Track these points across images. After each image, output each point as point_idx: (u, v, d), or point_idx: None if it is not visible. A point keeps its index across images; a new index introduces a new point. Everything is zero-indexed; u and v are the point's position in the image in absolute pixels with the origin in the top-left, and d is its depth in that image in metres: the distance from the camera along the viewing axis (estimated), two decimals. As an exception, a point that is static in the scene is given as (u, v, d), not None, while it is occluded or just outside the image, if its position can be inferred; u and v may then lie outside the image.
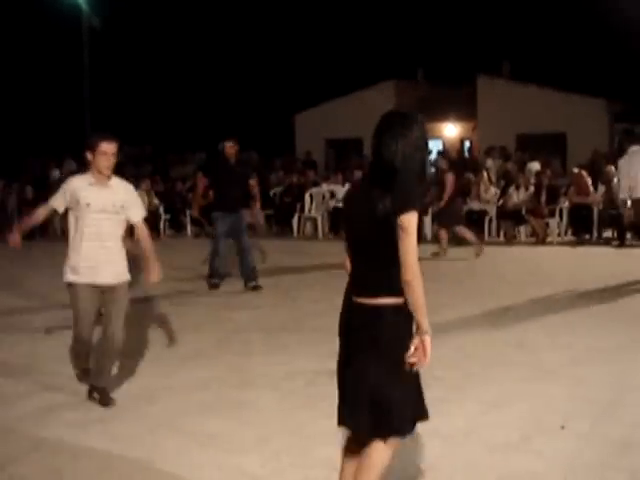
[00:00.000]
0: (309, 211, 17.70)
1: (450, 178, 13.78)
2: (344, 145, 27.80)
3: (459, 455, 4.76)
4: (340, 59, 36.30)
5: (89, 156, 5.57)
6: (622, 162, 11.68)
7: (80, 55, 29.44)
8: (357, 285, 3.59)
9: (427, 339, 3.42)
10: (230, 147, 10.58)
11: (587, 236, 15.23)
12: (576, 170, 15.96)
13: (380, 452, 3.55)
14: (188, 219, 17.97)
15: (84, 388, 6.07)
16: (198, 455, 4.83)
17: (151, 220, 17.68)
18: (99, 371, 5.86)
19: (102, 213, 5.56)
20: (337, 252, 14.23)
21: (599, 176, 16.15)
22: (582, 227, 15.35)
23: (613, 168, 15.71)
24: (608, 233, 15.46)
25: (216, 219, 10.64)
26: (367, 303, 3.52)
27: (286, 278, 11.64)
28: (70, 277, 5.61)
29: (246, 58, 37.06)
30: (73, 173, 20.45)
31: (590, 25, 29.66)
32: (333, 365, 6.71)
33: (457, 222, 13.88)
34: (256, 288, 10.52)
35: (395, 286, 3.43)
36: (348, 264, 3.72)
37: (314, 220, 17.64)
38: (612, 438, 4.96)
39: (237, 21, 37.12)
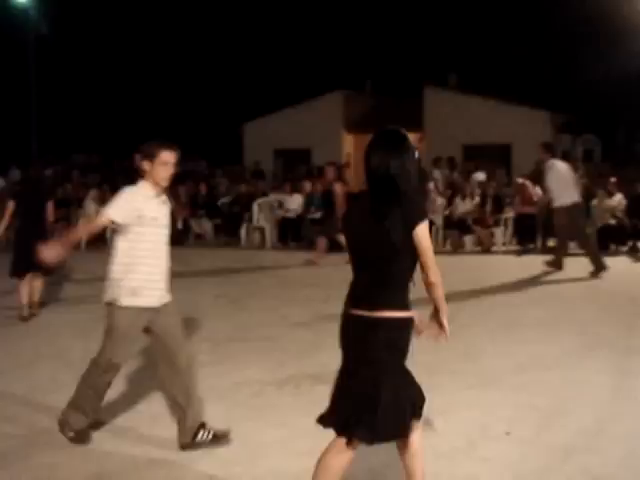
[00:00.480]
0: (257, 221, 17.68)
1: (338, 188, 13.99)
2: (292, 155, 27.84)
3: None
4: (289, 69, 36.41)
5: (146, 166, 5.04)
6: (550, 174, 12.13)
7: (26, 64, 29.03)
8: (360, 298, 3.75)
9: (445, 320, 3.87)
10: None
11: (531, 245, 15.49)
12: (520, 180, 16.22)
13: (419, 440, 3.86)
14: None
15: (30, 401, 5.98)
16: (147, 467, 4.79)
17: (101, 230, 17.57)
18: (194, 404, 5.17)
19: (164, 228, 5.14)
20: (285, 262, 14.25)
21: (542, 186, 16.43)
22: (526, 236, 15.61)
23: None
24: (552, 242, 15.73)
25: None
26: (370, 316, 3.69)
27: (234, 288, 11.61)
28: (126, 300, 5.01)
29: (195, 67, 36.90)
30: (17, 183, 20.18)
31: (535, 38, 30.23)
32: (280, 375, 6.75)
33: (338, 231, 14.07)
34: None
35: (398, 300, 3.70)
36: None
37: (262, 230, 17.62)
38: (556, 444, 5.05)
39: (187, 31, 36.96)
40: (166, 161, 5.04)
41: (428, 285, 3.75)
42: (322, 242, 14.21)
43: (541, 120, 25.80)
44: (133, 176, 11.24)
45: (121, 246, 5.06)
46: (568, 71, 30.07)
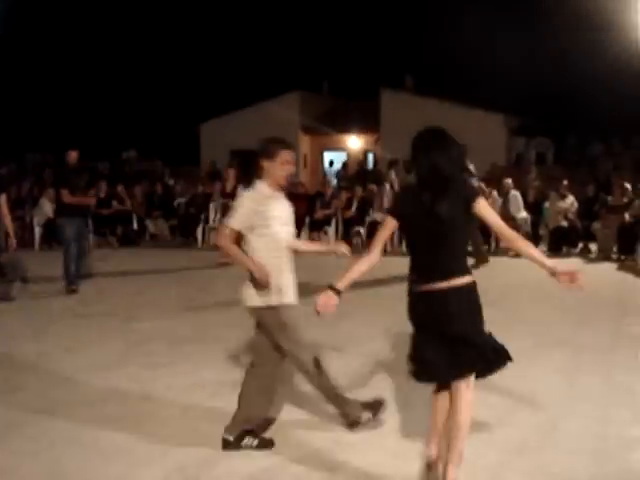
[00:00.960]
0: (213, 221, 17.62)
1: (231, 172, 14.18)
2: (249, 155, 27.75)
3: (362, 461, 4.84)
4: (246, 70, 36.35)
5: (265, 165, 5.05)
6: None
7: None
8: (431, 274, 4.22)
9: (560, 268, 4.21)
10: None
11: (486, 247, 15.66)
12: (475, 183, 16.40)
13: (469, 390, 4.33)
14: (90, 229, 17.65)
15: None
16: (102, 469, 4.77)
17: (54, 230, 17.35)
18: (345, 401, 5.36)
19: (288, 225, 5.13)
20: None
21: (497, 189, 16.66)
22: (483, 238, 15.76)
23: (510, 181, 16.27)
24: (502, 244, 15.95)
25: (63, 225, 11.12)
26: (448, 286, 4.17)
27: (189, 288, 11.57)
28: (277, 298, 5.01)
29: (152, 66, 36.65)
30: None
31: (488, 42, 30.55)
32: (237, 376, 6.74)
33: None
34: (74, 291, 11.11)
35: (465, 268, 4.25)
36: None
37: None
38: (510, 441, 5.14)
39: (144, 29, 36.67)
40: (286, 160, 5.06)
41: (518, 247, 4.22)
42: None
43: (495, 123, 26.13)
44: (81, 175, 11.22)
45: (255, 247, 5.02)
46: (522, 75, 30.46)
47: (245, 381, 5.17)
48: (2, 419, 5.65)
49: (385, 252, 4.20)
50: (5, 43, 30.40)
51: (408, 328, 4.45)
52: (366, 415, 5.38)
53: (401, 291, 4.47)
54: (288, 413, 5.75)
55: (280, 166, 5.03)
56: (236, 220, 4.97)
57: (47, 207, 17.34)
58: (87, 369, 7.03)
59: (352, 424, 5.35)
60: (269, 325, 5.08)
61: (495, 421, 5.53)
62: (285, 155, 5.05)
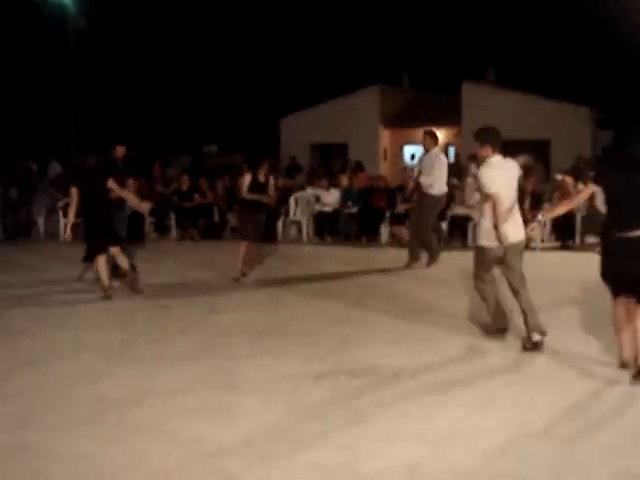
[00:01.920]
0: (294, 215, 17.69)
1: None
2: (329, 150, 27.83)
3: (444, 458, 4.76)
4: (326, 64, 36.39)
5: (488, 151, 7.49)
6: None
7: (66, 58, 29.33)
8: (630, 225, 6.03)
9: None
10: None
11: (571, 242, 15.29)
12: (560, 177, 16.03)
13: None
14: (173, 222, 17.93)
15: (71, 390, 6.06)
16: (183, 457, 4.81)
17: (138, 222, 17.74)
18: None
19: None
20: (321, 256, 14.22)
21: (582, 182, 16.25)
22: (566, 233, 15.40)
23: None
24: (591, 239, 15.54)
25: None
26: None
27: (270, 282, 11.62)
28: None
29: (233, 62, 37.05)
30: (58, 176, 20.47)
31: (575, 33, 29.86)
32: (318, 368, 6.75)
33: None
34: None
35: None
36: None
37: (299, 224, 17.62)
38: (597, 444, 4.98)
39: (225, 26, 37.11)
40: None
41: None
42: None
43: (581, 115, 25.50)
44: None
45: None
46: (608, 66, 29.67)
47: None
48: (86, 406, 5.77)
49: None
50: (91, 39, 31.13)
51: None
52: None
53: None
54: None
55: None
56: (493, 186, 7.20)
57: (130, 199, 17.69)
58: (169, 359, 7.13)
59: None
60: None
61: (581, 422, 5.37)
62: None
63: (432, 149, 12.55)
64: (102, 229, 10.07)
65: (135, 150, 26.76)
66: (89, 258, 10.22)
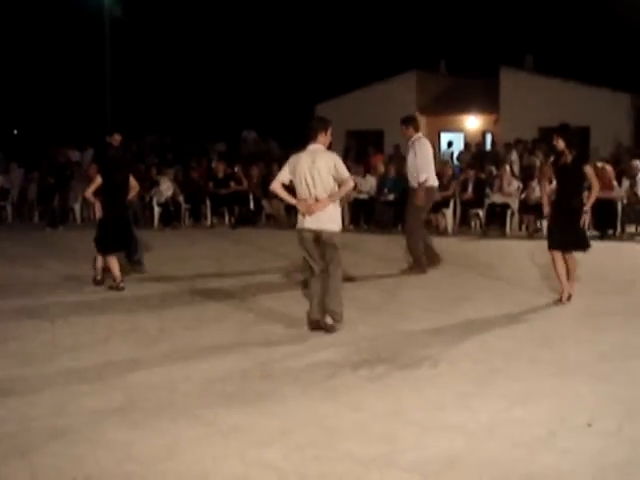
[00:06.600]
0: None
1: None
2: (365, 136, 27.66)
3: (483, 451, 4.68)
4: (362, 50, 36.17)
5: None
6: None
7: (102, 45, 29.49)
8: None
9: None
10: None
11: (610, 231, 15.05)
12: (600, 164, 15.75)
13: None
14: (208, 209, 17.96)
15: (108, 376, 6.07)
16: (220, 446, 4.79)
17: (174, 210, 17.76)
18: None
19: None
20: (357, 244, 14.12)
21: (623, 170, 15.97)
22: (605, 222, 15.15)
23: (638, 162, 15.53)
24: (632, 228, 15.29)
25: None
26: None
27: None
28: None
29: (269, 48, 36.98)
30: (92, 162, 20.58)
31: (615, 19, 29.33)
32: (355, 357, 6.69)
33: None
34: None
35: None
36: None
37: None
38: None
39: (261, 12, 37.03)
40: None
41: None
42: None
43: (622, 102, 25.06)
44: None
45: None
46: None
47: None
48: (121, 395, 5.76)
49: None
50: (127, 27, 31.27)
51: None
52: None
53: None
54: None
55: None
56: None
57: (166, 186, 17.77)
58: (205, 347, 7.12)
59: None
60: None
61: (624, 415, 5.25)
62: None
63: (412, 136, 10.89)
64: (118, 231, 9.95)
65: (172, 136, 27.00)
66: (102, 250, 10.07)
